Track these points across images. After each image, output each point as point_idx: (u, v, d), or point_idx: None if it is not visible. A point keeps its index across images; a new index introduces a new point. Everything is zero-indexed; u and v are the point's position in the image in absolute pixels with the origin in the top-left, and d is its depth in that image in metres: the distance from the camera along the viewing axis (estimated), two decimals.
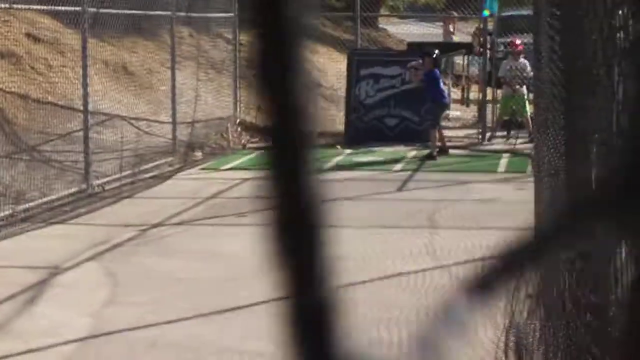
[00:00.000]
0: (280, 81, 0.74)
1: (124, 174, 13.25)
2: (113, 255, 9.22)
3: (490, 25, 17.92)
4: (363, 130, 16.83)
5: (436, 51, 15.65)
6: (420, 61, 15.46)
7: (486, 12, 16.42)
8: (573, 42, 3.49)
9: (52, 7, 12.60)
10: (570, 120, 3.73)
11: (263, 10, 0.73)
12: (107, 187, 12.70)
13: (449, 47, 20.00)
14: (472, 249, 9.21)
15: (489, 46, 17.49)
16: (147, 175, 13.68)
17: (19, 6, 12.17)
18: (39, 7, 12.74)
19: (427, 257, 8.94)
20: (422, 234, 9.86)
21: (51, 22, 14.67)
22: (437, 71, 15.42)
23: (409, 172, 13.97)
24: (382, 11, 27.99)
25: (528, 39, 18.61)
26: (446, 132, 16.50)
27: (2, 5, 12.06)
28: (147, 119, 15.04)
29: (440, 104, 15.51)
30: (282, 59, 0.74)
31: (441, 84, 15.66)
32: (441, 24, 29.40)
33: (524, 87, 16.55)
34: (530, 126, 15.93)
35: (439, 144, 15.39)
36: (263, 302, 7.62)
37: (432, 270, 8.46)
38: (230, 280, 8.20)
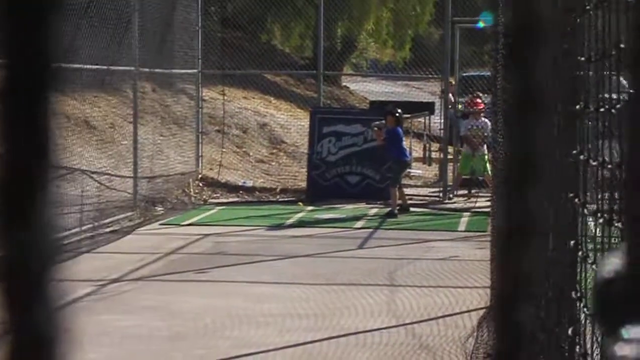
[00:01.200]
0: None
1: (83, 227, 13.16)
2: (70, 310, 9.10)
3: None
4: (325, 187, 16.87)
5: (398, 110, 15.77)
6: (383, 121, 15.57)
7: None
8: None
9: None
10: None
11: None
12: (66, 241, 12.60)
13: (412, 107, 20.16)
14: (431, 307, 9.22)
15: (450, 105, 17.66)
16: (107, 230, 13.59)
17: None
18: None
19: (387, 314, 8.93)
20: (382, 292, 9.86)
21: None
22: (400, 129, 15.52)
23: (370, 230, 14.00)
24: (345, 69, 28.20)
25: (489, 99, 18.84)
26: (408, 190, 16.58)
27: None
28: (108, 173, 14.99)
29: (401, 162, 15.59)
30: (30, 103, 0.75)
31: (403, 142, 15.76)
32: (403, 82, 29.67)
33: (485, 146, 16.70)
34: (491, 185, 16.06)
35: (399, 201, 15.45)
36: None
37: (392, 328, 8.45)
38: (187, 338, 8.13)
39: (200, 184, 17.72)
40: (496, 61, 4.30)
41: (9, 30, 0.75)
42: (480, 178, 17.01)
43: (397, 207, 15.28)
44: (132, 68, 15.24)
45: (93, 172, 14.48)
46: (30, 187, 0.75)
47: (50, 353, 0.75)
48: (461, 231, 14.06)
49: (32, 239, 0.75)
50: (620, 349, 0.92)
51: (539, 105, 0.92)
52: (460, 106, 18.47)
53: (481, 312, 8.83)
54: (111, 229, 13.74)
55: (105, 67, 14.72)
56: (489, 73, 20.90)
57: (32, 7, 0.74)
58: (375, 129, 15.76)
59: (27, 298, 0.75)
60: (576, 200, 2.74)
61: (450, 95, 17.68)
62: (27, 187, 0.75)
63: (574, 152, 2.71)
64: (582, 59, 2.61)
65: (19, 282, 0.75)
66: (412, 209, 15.88)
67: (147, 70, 15.94)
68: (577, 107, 2.66)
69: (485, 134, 16.68)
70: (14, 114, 0.76)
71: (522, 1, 0.93)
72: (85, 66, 13.85)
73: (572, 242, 2.79)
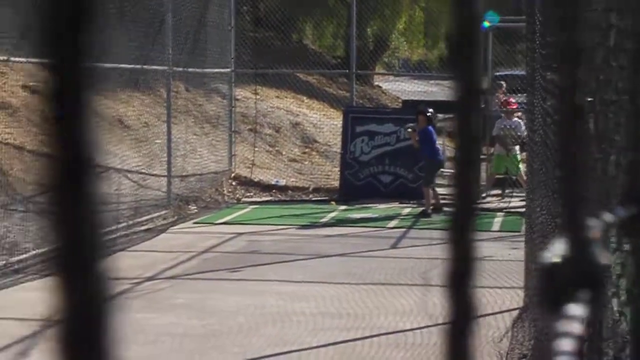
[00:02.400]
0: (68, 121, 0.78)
1: (119, 226, 13.24)
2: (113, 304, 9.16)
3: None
4: (358, 186, 16.87)
5: (430, 109, 15.73)
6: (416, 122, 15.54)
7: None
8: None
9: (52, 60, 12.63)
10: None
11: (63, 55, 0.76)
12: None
13: (445, 106, 20.13)
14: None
15: (482, 104, 17.61)
16: (141, 228, 13.67)
17: (17, 59, 12.24)
18: (37, 60, 12.78)
19: (421, 314, 8.92)
20: (416, 292, 9.85)
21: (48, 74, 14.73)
22: (432, 129, 15.48)
23: (403, 229, 13.98)
24: (377, 69, 28.19)
25: (522, 98, 18.76)
26: (441, 190, 16.54)
27: (0, 58, 12.14)
28: (142, 172, 15.07)
29: (435, 161, 15.55)
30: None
31: (436, 142, 15.73)
32: (435, 82, 29.58)
33: (517, 146, 16.64)
34: (525, 185, 15.99)
35: (433, 201, 15.41)
36: (254, 359, 7.60)
37: (426, 328, 8.43)
38: (222, 336, 8.17)
39: (234, 183, 17.78)
40: (532, 60, 4.28)
41: (51, 30, 0.76)
42: (514, 177, 16.94)
43: (431, 207, 15.25)
44: (166, 67, 15.31)
45: (127, 171, 14.57)
46: (78, 185, 0.77)
47: (99, 342, 0.78)
48: (495, 231, 14.01)
49: (80, 234, 0.77)
50: (563, 326, 1.00)
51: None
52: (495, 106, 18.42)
53: (515, 312, 8.80)
54: (145, 227, 13.82)
55: (139, 67, 14.80)
56: (521, 72, 20.83)
57: (74, 6, 0.76)
58: (409, 130, 15.71)
59: (78, 290, 0.78)
60: None
61: (501, 96, 17.56)
62: (75, 186, 0.77)
63: None
64: None
65: (71, 275, 0.78)
66: (445, 209, 15.85)
67: (180, 69, 16.01)
68: None
69: (519, 134, 16.61)
70: (59, 114, 0.77)
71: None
72: (119, 65, 13.93)
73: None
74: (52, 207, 0.76)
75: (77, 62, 0.77)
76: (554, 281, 1.06)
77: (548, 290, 1.07)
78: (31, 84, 14.75)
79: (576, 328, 1.01)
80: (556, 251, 1.07)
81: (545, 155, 4.30)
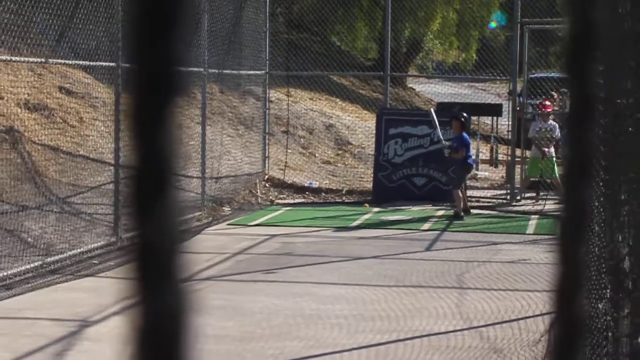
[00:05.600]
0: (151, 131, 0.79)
1: None
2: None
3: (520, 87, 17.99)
4: (391, 188, 16.83)
5: (464, 114, 15.67)
6: (451, 142, 15.38)
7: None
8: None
9: (87, 62, 12.73)
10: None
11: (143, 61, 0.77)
12: None
13: (479, 109, 20.05)
14: (501, 310, 9.15)
15: (517, 107, 17.52)
16: None
17: (54, 60, 12.33)
18: (73, 62, 12.88)
19: (457, 317, 8.88)
20: (451, 294, 9.81)
21: (84, 76, 14.83)
22: (466, 135, 15.44)
23: (437, 232, 13.94)
24: (411, 71, 28.12)
25: (558, 101, 18.62)
26: (474, 192, 16.48)
27: (37, 60, 12.23)
28: (176, 174, 15.10)
29: (466, 165, 15.50)
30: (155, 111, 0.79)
31: (469, 146, 15.67)
32: (468, 84, 29.46)
33: (553, 148, 16.54)
34: (561, 188, 15.86)
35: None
36: None
37: (462, 331, 8.40)
38: (258, 338, 8.17)
39: (267, 185, 17.80)
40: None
41: (137, 37, 0.77)
42: (549, 180, 16.83)
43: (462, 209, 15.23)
44: (201, 69, 15.36)
45: None
46: (158, 185, 0.79)
47: (178, 324, 0.80)
48: (530, 234, 13.93)
49: (159, 227, 0.80)
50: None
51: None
52: (530, 108, 18.34)
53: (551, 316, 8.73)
54: (180, 228, 13.84)
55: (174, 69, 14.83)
56: (556, 74, 20.70)
57: (158, 13, 0.76)
58: (448, 151, 15.44)
59: (157, 276, 0.80)
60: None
61: (547, 102, 17.43)
62: (156, 184, 0.79)
63: None
64: None
65: (150, 262, 0.80)
66: (479, 211, 15.79)
67: (215, 71, 16.05)
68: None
69: (554, 136, 16.52)
70: (144, 118, 0.78)
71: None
72: None
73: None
74: (134, 216, 0.77)
75: (161, 67, 0.78)
76: None
77: None
78: (67, 85, 14.85)
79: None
80: None
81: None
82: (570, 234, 0.89)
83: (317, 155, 19.90)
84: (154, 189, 0.79)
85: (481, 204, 16.62)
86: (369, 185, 17.45)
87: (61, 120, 14.28)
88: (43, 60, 11.89)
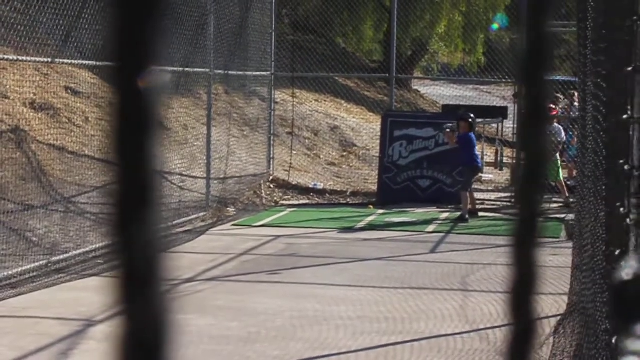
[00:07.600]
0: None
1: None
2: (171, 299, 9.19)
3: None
4: (396, 190, 16.83)
5: (471, 115, 15.68)
6: (456, 124, 15.50)
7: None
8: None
9: (94, 62, 12.75)
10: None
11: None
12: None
13: (485, 111, 20.05)
14: (505, 313, 9.14)
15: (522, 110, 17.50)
16: (180, 230, 13.72)
17: (60, 60, 12.34)
18: (79, 61, 12.89)
19: (461, 320, 8.88)
20: (455, 297, 9.81)
21: (90, 76, 14.85)
22: (472, 135, 15.44)
23: (441, 234, 13.94)
24: (416, 73, 28.12)
25: (562, 104, 18.62)
26: (478, 195, 16.47)
27: (44, 60, 12.24)
28: (181, 174, 15.14)
29: (473, 167, 15.50)
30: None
31: (475, 148, 15.67)
32: (473, 86, 29.45)
33: (557, 152, 16.54)
34: (566, 191, 15.87)
35: (469, 206, 15.36)
36: None
37: (466, 333, 8.40)
38: (261, 339, 8.18)
39: (272, 186, 17.81)
40: (584, 66, 4.25)
41: (115, 35, 0.77)
42: (553, 184, 16.82)
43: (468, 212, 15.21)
44: (207, 70, 15.37)
45: (166, 173, 14.63)
46: (141, 191, 0.80)
47: (161, 334, 0.81)
48: None
49: (143, 235, 0.80)
50: (634, 345, 1.00)
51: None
52: None
53: (557, 319, 8.73)
54: (184, 229, 13.87)
55: (180, 69, 14.86)
56: (561, 77, 20.67)
57: (138, 10, 0.77)
58: (447, 130, 15.65)
59: (140, 285, 0.81)
60: (621, 209, 2.72)
61: (552, 105, 17.45)
62: (138, 191, 0.80)
63: (621, 161, 2.68)
64: (630, 69, 2.59)
65: (134, 271, 0.81)
66: (484, 213, 15.79)
67: (221, 72, 16.06)
68: (625, 116, 2.63)
69: (559, 140, 16.51)
70: (124, 118, 0.79)
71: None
72: (163, 68, 13.98)
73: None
74: (119, 215, 0.78)
75: (142, 65, 0.78)
76: (626, 298, 1.05)
77: (619, 307, 1.06)
78: (73, 85, 14.87)
79: None
80: (628, 269, 1.06)
81: (594, 163, 4.28)
82: (525, 236, 0.90)
83: (322, 156, 19.91)
84: (136, 201, 0.80)
85: (486, 206, 16.61)
86: (374, 187, 17.46)
87: (67, 120, 14.30)
88: (49, 60, 11.90)
